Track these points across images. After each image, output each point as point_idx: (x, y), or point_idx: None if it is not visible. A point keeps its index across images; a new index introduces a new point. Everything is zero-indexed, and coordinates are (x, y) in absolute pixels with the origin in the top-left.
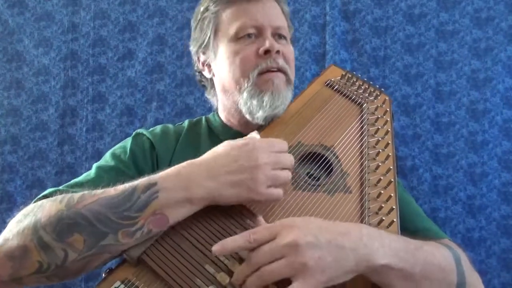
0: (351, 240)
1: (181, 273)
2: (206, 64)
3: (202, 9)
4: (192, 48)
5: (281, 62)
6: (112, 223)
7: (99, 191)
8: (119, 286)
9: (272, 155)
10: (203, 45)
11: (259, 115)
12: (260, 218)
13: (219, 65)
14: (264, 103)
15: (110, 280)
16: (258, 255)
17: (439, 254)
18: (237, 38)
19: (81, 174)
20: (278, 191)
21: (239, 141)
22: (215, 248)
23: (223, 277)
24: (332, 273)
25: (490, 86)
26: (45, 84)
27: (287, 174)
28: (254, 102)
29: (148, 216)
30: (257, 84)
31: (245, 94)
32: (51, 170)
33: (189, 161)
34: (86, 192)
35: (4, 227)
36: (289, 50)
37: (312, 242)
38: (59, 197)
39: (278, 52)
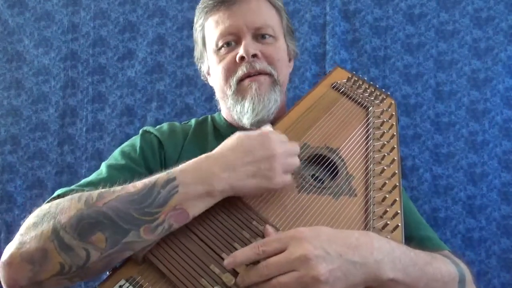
0: (361, 255)
1: (186, 272)
2: (207, 73)
3: (195, 22)
4: (195, 60)
5: (259, 65)
6: (134, 219)
7: (117, 188)
8: (124, 284)
9: (283, 144)
10: (199, 57)
11: (245, 121)
12: (268, 229)
13: (212, 75)
14: (246, 110)
15: (115, 278)
16: (268, 266)
17: (445, 271)
18: (218, 48)
19: (81, 174)
20: (289, 177)
21: (252, 133)
22: (227, 261)
23: (228, 278)
24: (341, 287)
25: (490, 86)
26: (45, 84)
27: (297, 160)
28: (238, 108)
29: (168, 211)
30: (238, 91)
31: (230, 101)
32: (51, 170)
33: (206, 155)
34: (103, 190)
35: (4, 228)
36: (273, 49)
37: (323, 255)
38: (75, 196)
39: (255, 55)
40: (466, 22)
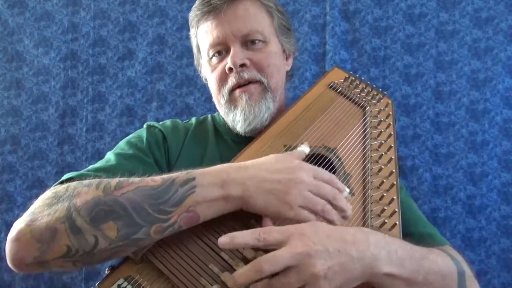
0: (359, 250)
1: (185, 271)
2: (205, 79)
3: (190, 29)
4: (196, 65)
5: (248, 74)
6: (148, 216)
7: (136, 180)
8: (122, 283)
9: (314, 180)
10: (198, 64)
11: (238, 129)
12: (267, 219)
13: (208, 82)
14: (237, 119)
15: (113, 277)
16: (268, 262)
17: (443, 264)
18: (210, 58)
19: None
20: (309, 216)
21: (288, 156)
22: (223, 239)
23: (227, 277)
24: (339, 282)
25: (490, 86)
26: (45, 84)
27: (323, 203)
28: (231, 117)
29: (182, 212)
30: (230, 101)
31: (223, 109)
32: (51, 170)
33: (229, 163)
34: (122, 179)
35: (4, 228)
36: (263, 55)
37: (322, 251)
38: (94, 181)
39: (243, 65)
40: (466, 22)
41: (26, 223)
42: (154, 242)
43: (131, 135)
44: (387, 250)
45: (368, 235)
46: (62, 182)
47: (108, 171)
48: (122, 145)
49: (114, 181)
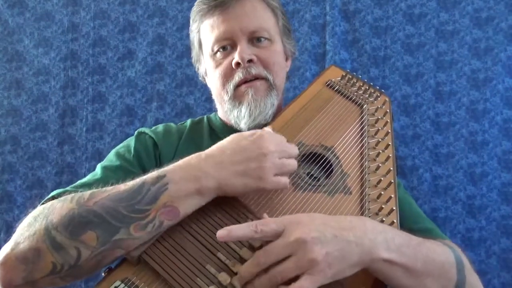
0: (356, 235)
1: (182, 272)
2: (204, 74)
3: (190, 24)
4: (193, 61)
5: (255, 70)
6: (124, 217)
7: (109, 188)
8: (119, 285)
9: (277, 144)
10: (196, 59)
11: (242, 126)
12: (265, 215)
13: (209, 78)
14: (243, 115)
15: (110, 279)
16: (266, 253)
17: (440, 251)
18: (214, 52)
19: (81, 174)
20: (285, 179)
21: (247, 132)
22: (221, 232)
23: (224, 277)
24: (338, 267)
25: (490, 86)
26: (45, 84)
27: (293, 163)
28: (235, 113)
29: (159, 208)
30: (235, 96)
31: (227, 106)
32: (51, 170)
33: (197, 154)
34: (95, 190)
35: (4, 228)
36: (269, 53)
37: (319, 237)
38: (68, 196)
39: (250, 61)
40: (466, 22)
41: (11, 247)
42: (143, 241)
43: (121, 144)
44: (384, 236)
45: (365, 221)
46: (48, 200)
47: (93, 185)
48: (110, 156)
49: (87, 193)
